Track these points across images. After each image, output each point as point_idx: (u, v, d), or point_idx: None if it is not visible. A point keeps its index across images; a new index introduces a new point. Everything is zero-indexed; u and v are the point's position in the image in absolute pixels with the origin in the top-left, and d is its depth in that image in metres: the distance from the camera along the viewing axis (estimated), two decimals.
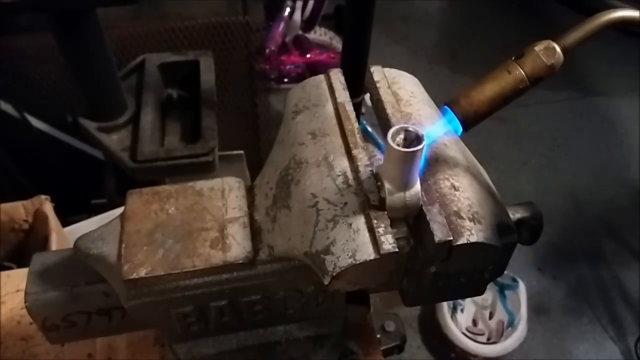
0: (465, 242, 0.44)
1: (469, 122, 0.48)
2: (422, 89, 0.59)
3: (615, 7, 0.47)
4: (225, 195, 0.56)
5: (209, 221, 0.53)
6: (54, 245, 1.10)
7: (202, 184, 0.57)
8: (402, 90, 0.57)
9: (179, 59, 1.21)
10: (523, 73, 0.47)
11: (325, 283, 0.44)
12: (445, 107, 0.48)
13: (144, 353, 0.78)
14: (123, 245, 0.51)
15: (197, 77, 1.18)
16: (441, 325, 1.82)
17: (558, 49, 0.47)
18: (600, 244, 2.21)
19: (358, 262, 0.43)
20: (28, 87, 1.47)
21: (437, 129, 0.49)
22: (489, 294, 1.91)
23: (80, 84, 1.05)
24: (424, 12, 3.35)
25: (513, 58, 0.48)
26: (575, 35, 0.47)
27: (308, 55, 2.38)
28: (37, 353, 0.79)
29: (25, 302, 0.55)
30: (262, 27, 1.81)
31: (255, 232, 0.54)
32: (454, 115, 0.47)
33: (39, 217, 1.17)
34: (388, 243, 0.43)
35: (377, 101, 0.56)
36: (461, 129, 0.48)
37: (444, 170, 0.49)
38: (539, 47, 0.47)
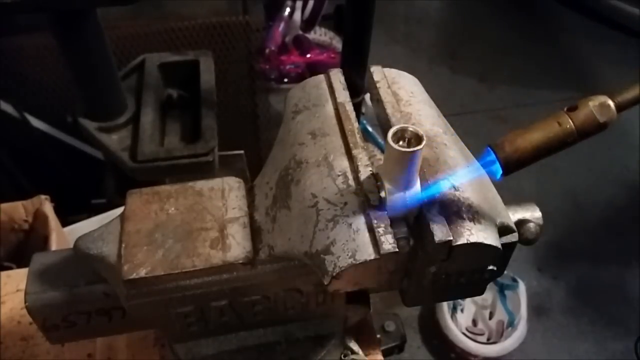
0: (465, 242, 0.44)
1: (510, 168, 0.47)
2: (422, 89, 0.59)
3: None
4: (225, 195, 0.56)
5: (209, 221, 0.53)
6: (54, 245, 1.10)
7: (202, 184, 0.57)
8: (402, 90, 0.57)
9: (179, 59, 1.21)
10: (574, 127, 0.45)
11: (325, 283, 0.44)
12: (489, 148, 0.47)
13: (144, 353, 0.78)
14: (123, 245, 0.51)
15: (197, 77, 1.17)
16: (441, 325, 1.82)
17: (613, 107, 0.46)
18: (600, 244, 2.20)
19: (358, 262, 0.43)
20: (28, 87, 1.47)
21: (470, 172, 0.49)
22: (489, 294, 1.91)
23: (80, 84, 1.04)
24: (424, 12, 3.35)
25: (565, 109, 0.46)
26: (630, 94, 0.46)
27: (308, 55, 2.38)
28: (37, 353, 0.79)
29: (25, 302, 0.55)
30: (262, 27, 1.81)
31: (255, 232, 0.54)
32: (495, 157, 0.47)
33: (39, 217, 1.17)
34: (388, 243, 0.43)
35: (377, 101, 0.56)
36: (500, 173, 0.47)
37: (444, 170, 0.49)
38: (594, 103, 0.45)
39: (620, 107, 0.46)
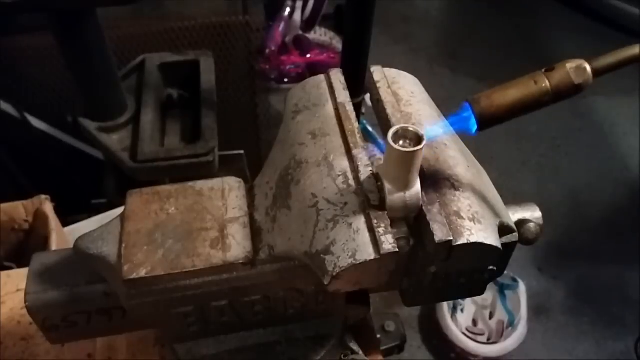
0: (465, 242, 0.44)
1: (485, 123, 0.48)
2: (422, 89, 0.59)
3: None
4: (225, 195, 0.56)
5: (209, 221, 0.53)
6: (54, 245, 1.10)
7: (202, 184, 0.57)
8: (402, 90, 0.57)
9: (179, 59, 1.21)
10: (549, 86, 0.47)
11: (325, 283, 0.44)
12: (466, 103, 0.48)
13: (144, 353, 0.78)
14: (123, 245, 0.51)
15: (197, 77, 1.18)
16: (441, 325, 1.82)
17: (589, 70, 0.47)
18: (600, 244, 2.20)
19: (358, 262, 0.43)
20: (28, 87, 1.47)
21: (438, 128, 0.49)
22: (489, 294, 1.91)
23: (80, 84, 1.04)
24: (424, 12, 3.34)
25: (543, 70, 0.48)
26: (607, 60, 0.47)
27: (308, 55, 2.38)
28: (37, 353, 0.79)
29: (25, 302, 0.55)
30: (262, 27, 1.81)
31: (255, 232, 0.54)
32: (472, 112, 0.47)
33: (39, 217, 1.16)
34: (388, 243, 0.43)
35: (377, 101, 0.56)
36: (476, 127, 0.48)
37: (444, 170, 0.49)
38: (571, 65, 0.47)
39: (596, 72, 0.47)
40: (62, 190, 1.26)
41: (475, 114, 0.47)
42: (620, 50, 0.48)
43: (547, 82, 0.47)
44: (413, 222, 0.47)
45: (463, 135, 0.52)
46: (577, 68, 0.47)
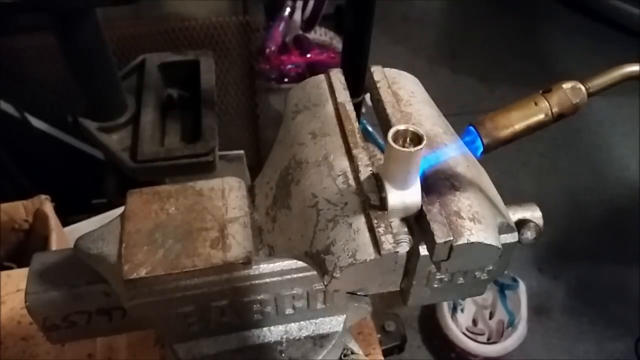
0: (465, 242, 0.44)
1: (491, 145, 0.49)
2: (422, 89, 0.59)
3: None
4: (225, 195, 0.56)
5: (209, 221, 0.53)
6: (54, 245, 1.10)
7: (202, 184, 0.57)
8: (402, 90, 0.57)
9: (179, 59, 1.21)
10: (549, 107, 0.49)
11: (325, 283, 0.44)
12: (470, 127, 0.49)
13: (144, 353, 0.78)
14: (123, 245, 0.51)
15: (197, 77, 1.18)
16: (441, 325, 1.82)
17: (584, 90, 0.48)
18: (600, 244, 2.20)
19: (358, 262, 0.43)
20: (28, 87, 1.47)
21: (451, 149, 0.50)
22: (489, 294, 1.91)
23: (80, 84, 1.05)
24: (424, 12, 3.35)
25: (541, 92, 0.50)
26: (600, 81, 0.50)
27: (308, 55, 2.38)
28: (37, 353, 0.79)
29: (25, 302, 0.55)
30: (262, 27, 1.81)
31: (255, 232, 0.54)
32: (477, 135, 0.48)
33: (39, 217, 1.17)
34: (388, 243, 0.43)
35: (377, 101, 0.56)
36: (482, 150, 0.49)
37: (444, 170, 0.49)
38: (567, 86, 0.49)
39: (590, 92, 0.48)
40: (62, 190, 1.26)
41: (481, 137, 0.48)
42: (610, 70, 0.50)
43: (546, 103, 0.48)
44: (413, 222, 0.47)
45: None
46: (573, 89, 0.48)
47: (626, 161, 2.49)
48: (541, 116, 0.48)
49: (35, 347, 0.80)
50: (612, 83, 0.49)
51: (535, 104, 0.49)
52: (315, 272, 0.46)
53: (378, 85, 0.56)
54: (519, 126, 0.49)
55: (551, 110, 0.48)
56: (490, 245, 0.45)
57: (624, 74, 0.49)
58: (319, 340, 0.62)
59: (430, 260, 0.47)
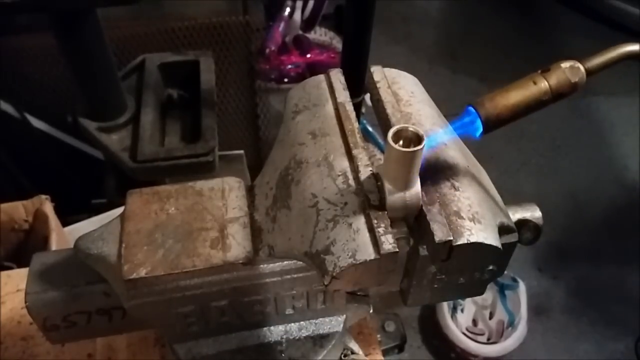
0: (465, 242, 0.44)
1: (491, 125, 0.49)
2: (422, 89, 0.59)
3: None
4: (225, 195, 0.56)
5: (209, 221, 0.53)
6: (54, 245, 1.10)
7: (202, 184, 0.57)
8: (402, 90, 0.57)
9: (179, 59, 1.21)
10: (548, 86, 0.49)
11: (326, 283, 0.44)
12: (470, 107, 0.49)
13: (144, 353, 0.78)
14: (123, 245, 0.51)
15: (197, 77, 1.17)
16: (441, 325, 1.82)
17: (582, 69, 0.48)
18: (600, 244, 2.20)
19: (358, 262, 0.43)
20: (28, 87, 1.47)
21: (442, 134, 0.50)
22: (489, 294, 1.91)
23: (80, 84, 1.04)
24: (424, 12, 3.34)
25: (539, 71, 0.50)
26: (598, 60, 0.50)
27: (308, 55, 2.38)
28: (37, 353, 0.79)
29: (25, 302, 0.55)
30: (262, 27, 1.81)
31: (255, 232, 0.54)
32: (477, 115, 0.48)
33: (39, 217, 1.17)
34: (388, 243, 0.43)
35: (377, 101, 0.56)
36: (481, 130, 0.49)
37: (444, 170, 0.49)
38: (565, 65, 0.49)
39: (588, 71, 0.49)
40: (62, 190, 1.26)
41: (480, 117, 0.48)
42: (608, 50, 0.49)
43: (545, 82, 0.48)
44: (413, 222, 0.47)
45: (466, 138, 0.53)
46: (572, 67, 0.48)
47: (626, 161, 2.49)
48: (540, 95, 0.49)
49: (35, 347, 0.80)
50: (611, 62, 0.49)
51: (534, 83, 0.49)
52: (315, 272, 0.46)
53: (378, 85, 0.56)
54: (518, 106, 0.49)
55: (550, 89, 0.49)
56: (490, 245, 0.45)
57: (622, 53, 0.49)
58: (319, 340, 0.62)
59: (431, 261, 0.47)
